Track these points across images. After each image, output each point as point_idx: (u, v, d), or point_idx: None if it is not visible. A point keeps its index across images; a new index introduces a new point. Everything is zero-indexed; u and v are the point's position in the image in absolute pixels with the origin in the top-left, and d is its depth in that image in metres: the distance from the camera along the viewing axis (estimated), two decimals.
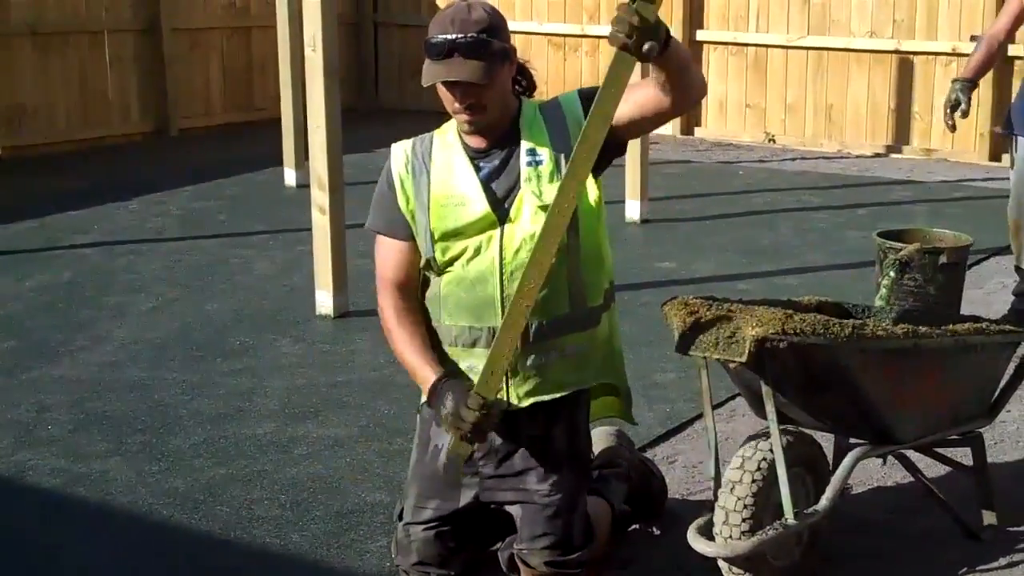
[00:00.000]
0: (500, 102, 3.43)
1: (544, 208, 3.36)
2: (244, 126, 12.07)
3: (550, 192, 3.38)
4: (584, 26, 12.26)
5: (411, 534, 3.59)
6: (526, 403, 3.45)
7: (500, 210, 3.44)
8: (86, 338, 5.99)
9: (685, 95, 3.35)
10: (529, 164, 3.46)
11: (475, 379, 3.35)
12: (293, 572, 3.87)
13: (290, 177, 9.33)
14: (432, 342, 3.53)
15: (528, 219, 3.42)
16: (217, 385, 5.40)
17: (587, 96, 3.42)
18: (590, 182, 3.44)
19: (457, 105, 3.39)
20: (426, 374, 3.45)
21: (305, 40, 6.24)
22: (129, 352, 5.80)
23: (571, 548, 3.51)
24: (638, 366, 5.59)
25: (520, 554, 3.52)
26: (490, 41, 3.35)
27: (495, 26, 3.39)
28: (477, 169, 3.48)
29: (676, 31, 11.65)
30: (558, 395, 3.48)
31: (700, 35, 11.74)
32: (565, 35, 12.41)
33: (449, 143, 3.53)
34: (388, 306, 3.57)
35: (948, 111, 5.69)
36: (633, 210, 8.40)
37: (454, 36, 3.33)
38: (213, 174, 9.89)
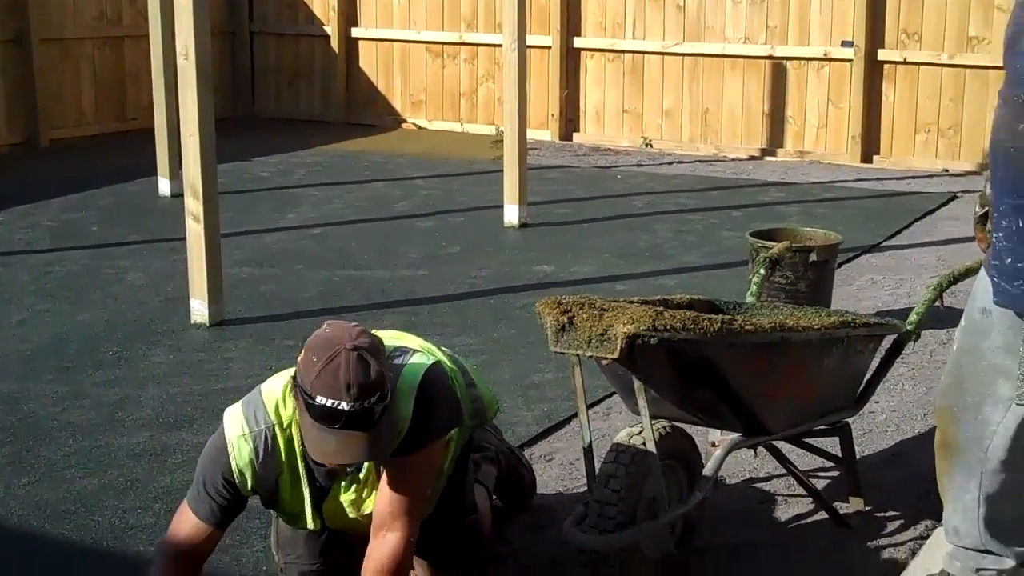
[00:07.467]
0: None
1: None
2: (116, 136, 11.87)
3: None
4: (462, 34, 12.28)
5: (297, 531, 3.57)
6: None
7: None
8: None
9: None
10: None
11: None
12: None
13: (164, 187, 9.20)
14: None
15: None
16: (89, 396, 5.30)
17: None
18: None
19: (337, 467, 3.20)
20: None
21: (177, 49, 6.16)
22: None
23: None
24: (516, 367, 5.63)
25: None
26: (386, 403, 3.05)
27: (385, 376, 3.06)
28: (315, 491, 3.35)
29: (554, 39, 11.75)
30: None
31: (578, 42, 11.83)
32: (444, 43, 12.42)
33: (296, 459, 3.29)
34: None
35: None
36: (512, 214, 8.44)
37: (349, 406, 2.97)
38: (85, 185, 9.71)
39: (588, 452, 3.72)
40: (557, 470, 4.56)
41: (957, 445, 3.42)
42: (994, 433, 3.32)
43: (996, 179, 3.20)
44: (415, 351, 3.41)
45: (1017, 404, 2.90)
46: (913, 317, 4.17)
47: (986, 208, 3.53)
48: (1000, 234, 3.19)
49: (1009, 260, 3.15)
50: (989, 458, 3.34)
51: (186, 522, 3.31)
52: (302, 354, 3.09)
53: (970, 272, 4.10)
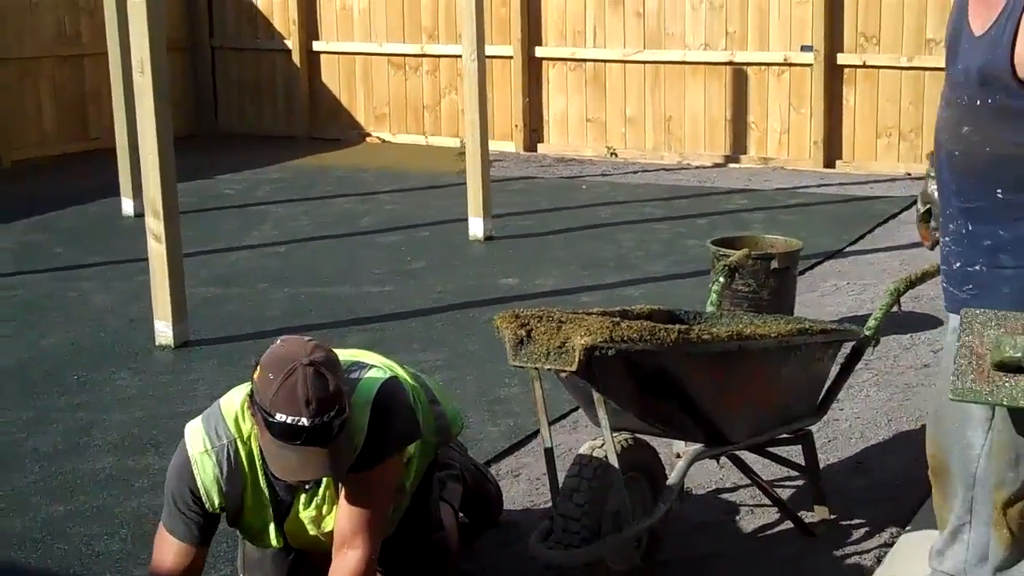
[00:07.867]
0: None
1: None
2: (79, 156, 11.80)
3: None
4: (424, 45, 12.27)
5: (265, 551, 3.56)
6: None
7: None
8: None
9: None
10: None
11: None
12: None
13: (127, 206, 9.16)
14: None
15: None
16: (55, 421, 5.27)
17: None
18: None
19: (299, 482, 3.23)
20: None
21: (133, 64, 6.14)
22: None
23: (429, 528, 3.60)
24: (482, 382, 5.63)
25: None
26: (344, 416, 3.06)
27: (343, 390, 3.08)
28: (277, 505, 3.37)
29: (515, 49, 11.76)
30: None
31: (539, 52, 11.84)
32: (405, 55, 12.42)
33: (257, 472, 3.31)
34: None
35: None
36: (476, 227, 8.44)
37: (309, 421, 2.97)
38: (48, 206, 9.66)
39: (551, 464, 3.73)
40: (524, 485, 4.56)
41: (946, 472, 3.40)
42: (979, 456, 3.29)
43: (941, 182, 3.19)
44: (372, 366, 3.41)
45: (951, 398, 2.87)
46: (871, 323, 4.19)
47: (928, 205, 3.56)
48: (948, 238, 3.18)
49: (958, 265, 3.15)
50: (978, 484, 3.31)
51: (168, 546, 3.32)
52: (257, 372, 3.08)
53: (927, 276, 4.13)
